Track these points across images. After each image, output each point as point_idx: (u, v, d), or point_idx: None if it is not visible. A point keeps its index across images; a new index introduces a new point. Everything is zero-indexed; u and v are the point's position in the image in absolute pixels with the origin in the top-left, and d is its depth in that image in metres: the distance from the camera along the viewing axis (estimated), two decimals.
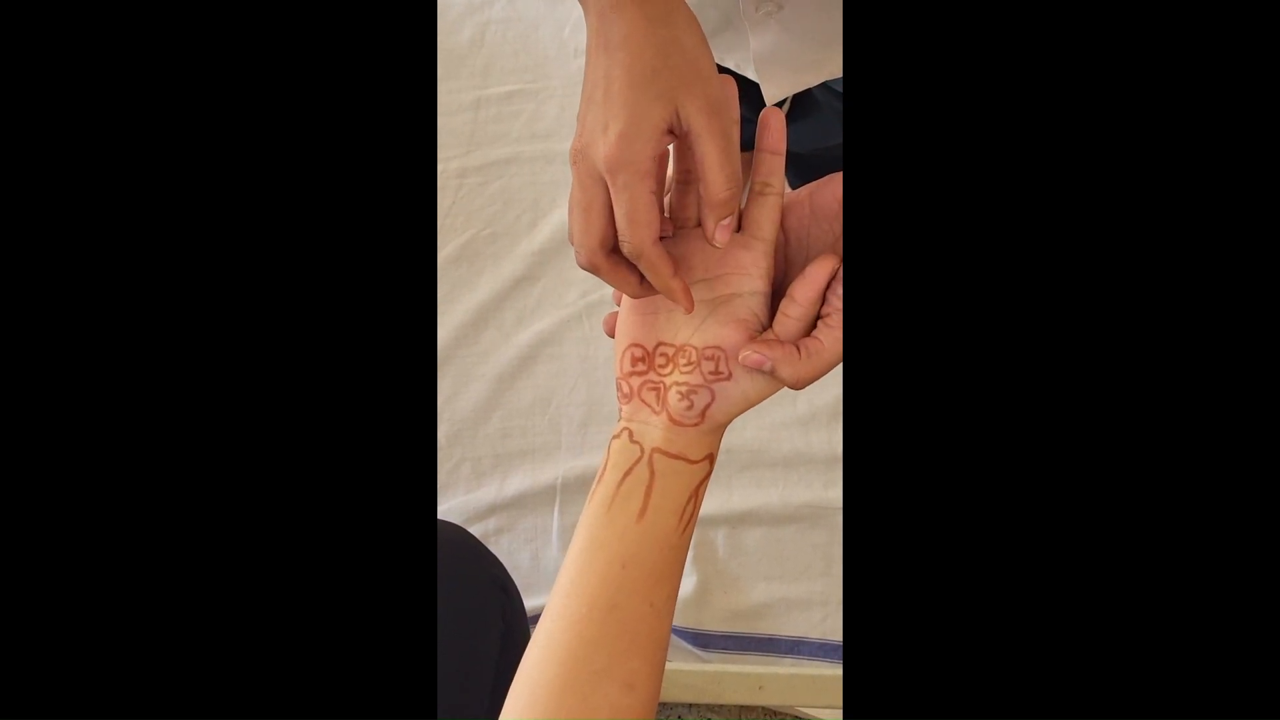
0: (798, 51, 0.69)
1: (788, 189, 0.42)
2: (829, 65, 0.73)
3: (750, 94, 1.13)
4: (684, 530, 0.41)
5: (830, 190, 0.41)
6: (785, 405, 1.13)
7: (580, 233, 0.40)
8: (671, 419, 0.41)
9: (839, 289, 0.40)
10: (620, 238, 0.38)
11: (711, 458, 0.42)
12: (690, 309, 0.40)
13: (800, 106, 1.20)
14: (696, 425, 0.41)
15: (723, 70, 0.83)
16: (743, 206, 0.43)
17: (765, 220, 0.41)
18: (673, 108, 0.37)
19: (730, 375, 0.41)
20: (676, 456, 0.41)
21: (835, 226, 0.42)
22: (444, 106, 1.35)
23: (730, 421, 0.43)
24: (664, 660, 0.39)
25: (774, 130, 0.42)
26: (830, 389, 1.13)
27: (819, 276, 0.39)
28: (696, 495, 0.41)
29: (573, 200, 0.40)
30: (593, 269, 0.40)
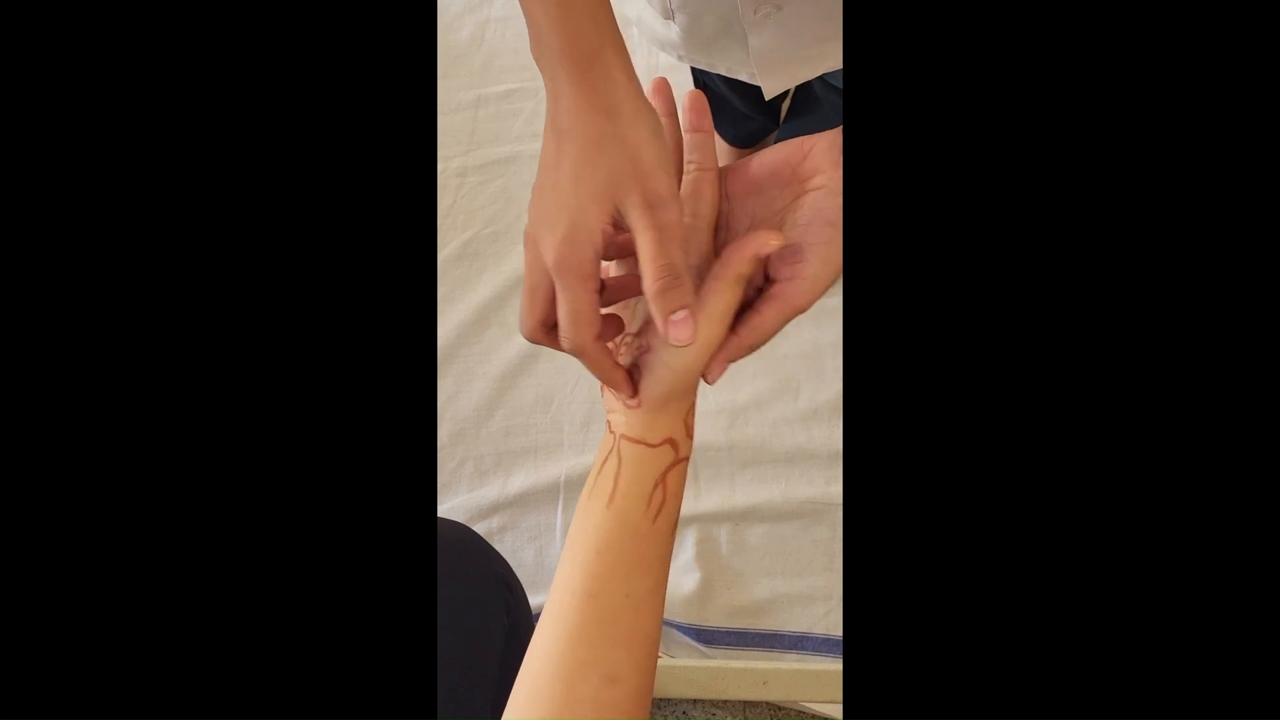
0: (795, 48, 0.69)
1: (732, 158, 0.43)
2: (826, 60, 0.73)
3: (750, 92, 1.13)
4: (654, 518, 0.41)
5: (771, 157, 0.42)
6: (787, 401, 1.13)
7: (526, 310, 0.41)
8: (624, 403, 0.42)
9: (788, 260, 0.40)
10: (562, 334, 0.39)
11: (672, 442, 0.42)
12: (633, 396, 0.41)
13: (801, 103, 1.21)
14: (639, 407, 0.42)
15: (715, 82, 0.82)
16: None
17: (699, 197, 0.42)
18: (612, 205, 0.38)
19: (650, 348, 0.41)
20: (637, 441, 0.42)
21: (780, 195, 0.42)
22: (444, 105, 1.35)
23: (673, 398, 0.42)
24: (650, 656, 0.39)
25: (692, 110, 0.42)
26: (832, 385, 1.13)
27: (745, 248, 0.39)
28: (664, 482, 0.41)
29: (525, 276, 0.41)
30: (534, 341, 0.41)
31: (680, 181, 0.43)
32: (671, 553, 0.41)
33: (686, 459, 0.42)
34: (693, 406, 0.43)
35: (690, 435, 0.42)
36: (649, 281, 0.37)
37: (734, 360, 0.42)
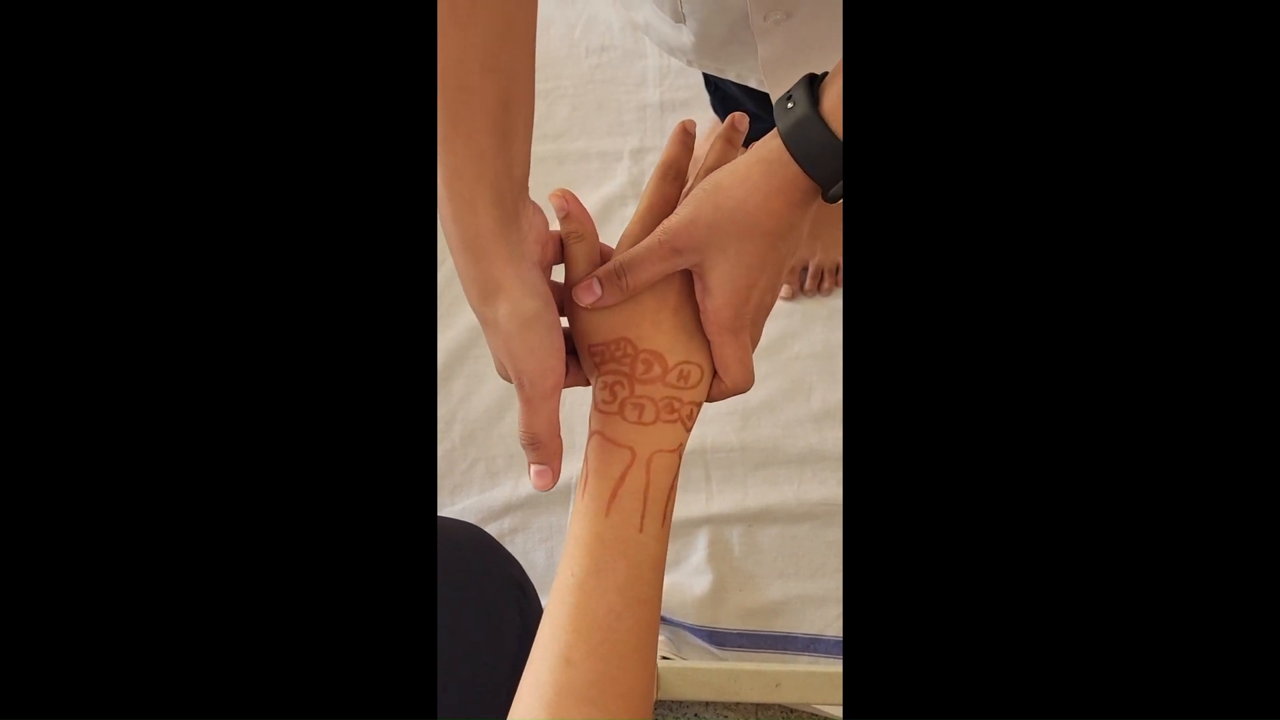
0: (804, 57, 0.69)
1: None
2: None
3: (759, 93, 1.12)
4: (581, 494, 0.42)
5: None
6: (799, 402, 1.13)
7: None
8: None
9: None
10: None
11: (596, 434, 0.44)
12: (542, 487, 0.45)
13: None
14: None
15: (725, 82, 0.82)
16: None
17: (580, 260, 0.45)
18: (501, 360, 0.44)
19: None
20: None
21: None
22: None
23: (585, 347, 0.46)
24: (606, 643, 0.39)
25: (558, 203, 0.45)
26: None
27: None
28: (587, 459, 0.43)
29: None
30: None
31: None
32: (617, 535, 0.41)
33: (596, 433, 0.43)
34: (600, 378, 0.45)
35: (601, 409, 0.44)
36: (520, 440, 0.44)
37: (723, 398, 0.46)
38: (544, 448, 0.43)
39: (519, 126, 0.39)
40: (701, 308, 0.43)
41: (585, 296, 0.43)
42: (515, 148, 0.39)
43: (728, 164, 0.42)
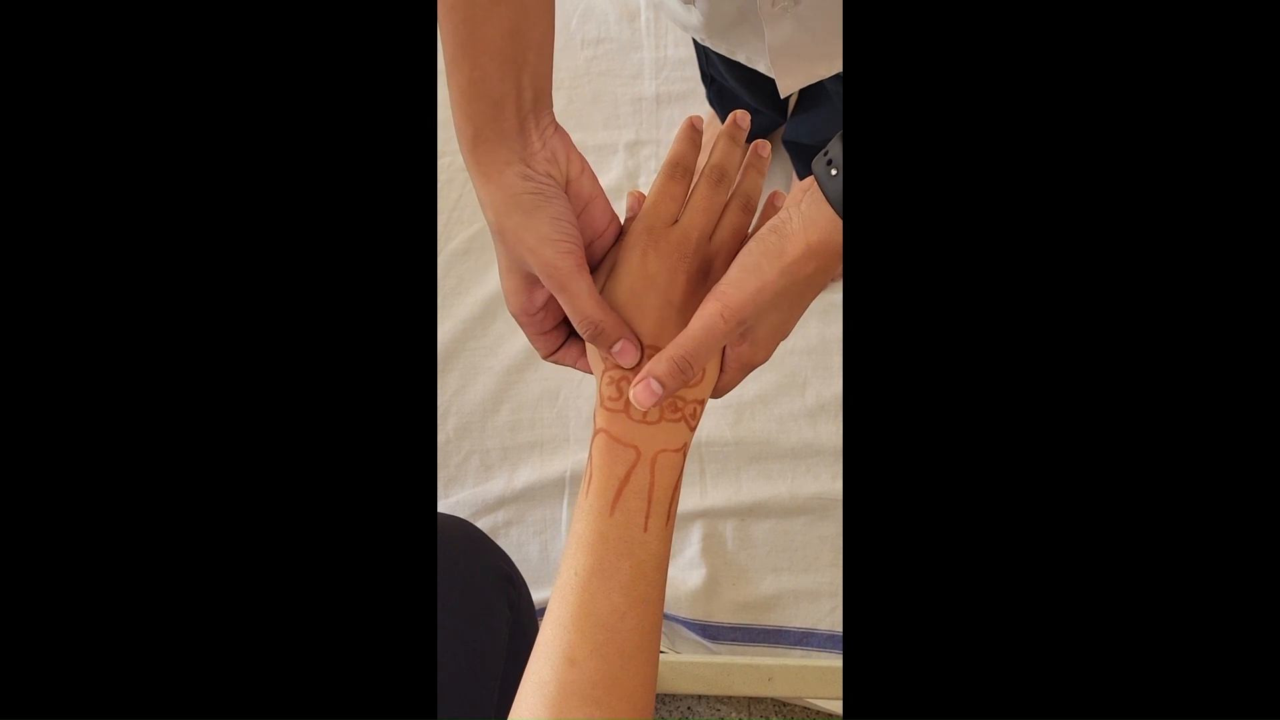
0: (812, 44, 0.69)
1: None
2: (842, 58, 0.72)
3: (759, 86, 1.12)
4: (585, 492, 0.42)
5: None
6: (794, 397, 1.13)
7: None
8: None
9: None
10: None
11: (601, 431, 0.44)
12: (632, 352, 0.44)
13: (809, 97, 1.20)
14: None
15: (734, 64, 0.82)
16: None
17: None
18: (522, 269, 0.44)
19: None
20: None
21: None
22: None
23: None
24: (609, 643, 0.39)
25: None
26: (839, 380, 1.13)
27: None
28: (590, 457, 0.43)
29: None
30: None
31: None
32: (621, 535, 0.41)
33: (601, 430, 0.43)
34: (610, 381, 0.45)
35: (606, 406, 0.44)
36: (576, 326, 0.44)
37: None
38: (597, 329, 0.43)
39: (529, 55, 0.41)
40: (735, 349, 0.44)
41: (646, 399, 0.41)
42: (526, 73, 0.41)
43: (781, 227, 0.41)
